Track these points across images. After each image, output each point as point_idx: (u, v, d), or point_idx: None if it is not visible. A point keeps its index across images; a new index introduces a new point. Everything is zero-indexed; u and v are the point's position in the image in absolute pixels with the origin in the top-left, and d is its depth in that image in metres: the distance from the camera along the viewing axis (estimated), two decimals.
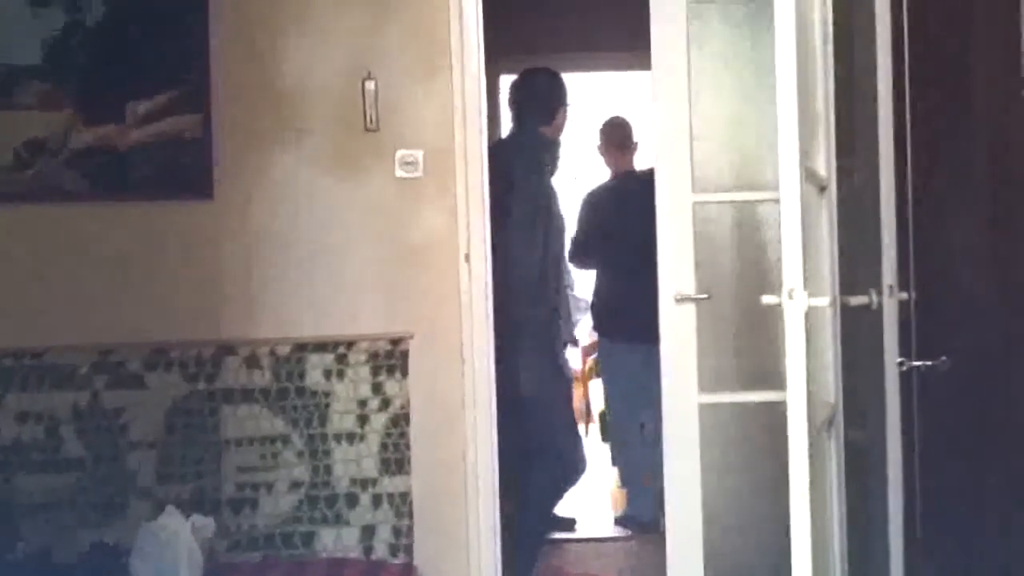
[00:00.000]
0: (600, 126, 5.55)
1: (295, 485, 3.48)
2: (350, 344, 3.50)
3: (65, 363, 3.45)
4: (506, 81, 4.76)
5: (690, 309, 3.63)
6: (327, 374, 3.49)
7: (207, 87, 3.48)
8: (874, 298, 3.08)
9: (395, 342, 3.50)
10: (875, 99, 3.05)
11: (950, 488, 3.88)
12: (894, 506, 3.07)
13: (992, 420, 3.67)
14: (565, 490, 4.42)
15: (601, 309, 5.34)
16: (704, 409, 3.65)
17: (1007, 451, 3.41)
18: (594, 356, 6.77)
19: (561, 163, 4.50)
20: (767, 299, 2.41)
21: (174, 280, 3.51)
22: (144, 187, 3.50)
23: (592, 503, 5.69)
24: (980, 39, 3.61)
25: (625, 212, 4.92)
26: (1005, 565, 3.55)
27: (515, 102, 4.41)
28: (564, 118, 4.41)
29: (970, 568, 3.89)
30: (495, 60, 4.05)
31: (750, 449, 3.71)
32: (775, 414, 2.99)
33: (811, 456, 2.39)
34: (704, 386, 3.64)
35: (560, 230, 4.34)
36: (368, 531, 3.49)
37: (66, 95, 3.48)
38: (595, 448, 6.33)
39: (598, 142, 5.54)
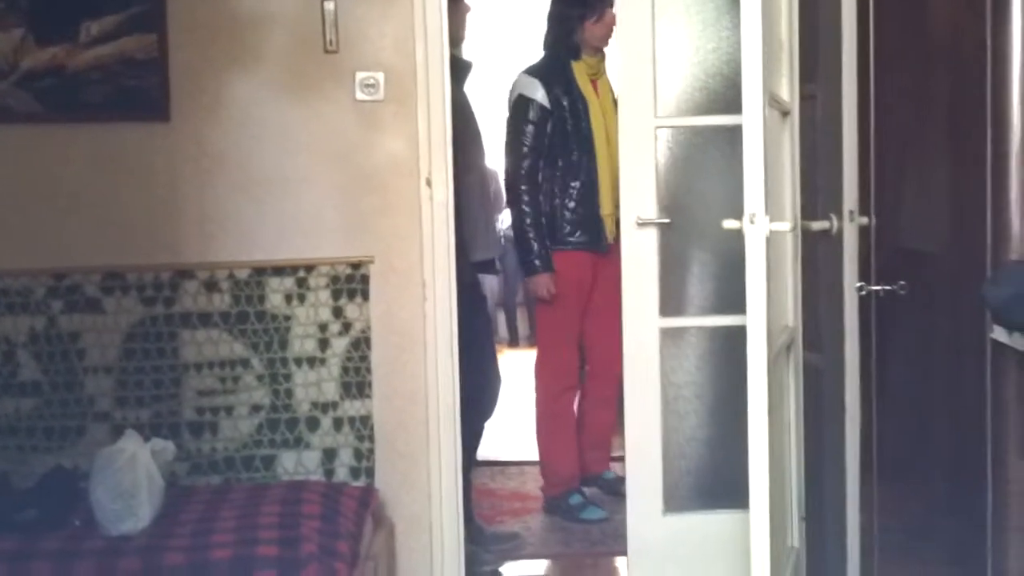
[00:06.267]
0: None
1: (255, 409, 3.48)
2: (310, 268, 3.47)
3: (20, 287, 3.40)
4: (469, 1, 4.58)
5: (651, 233, 3.64)
6: (287, 298, 3.47)
7: (162, 5, 3.40)
8: (835, 223, 3.09)
9: (356, 266, 3.48)
10: (839, 25, 3.04)
11: (905, 409, 3.95)
12: (851, 428, 3.12)
13: (945, 343, 3.72)
14: (482, 423, 4.33)
15: None
16: (665, 333, 3.67)
17: (958, 374, 3.46)
18: None
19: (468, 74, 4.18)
20: (729, 223, 2.42)
21: (130, 203, 3.45)
22: (99, 109, 3.42)
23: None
24: None
25: None
26: (954, 483, 3.63)
27: None
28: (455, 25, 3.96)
29: (923, 485, 3.97)
30: None
31: (710, 372, 3.75)
32: (735, 337, 3.01)
33: (770, 379, 2.42)
34: (665, 310, 3.66)
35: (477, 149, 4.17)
36: (329, 454, 3.49)
37: (17, 14, 3.39)
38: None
39: None
